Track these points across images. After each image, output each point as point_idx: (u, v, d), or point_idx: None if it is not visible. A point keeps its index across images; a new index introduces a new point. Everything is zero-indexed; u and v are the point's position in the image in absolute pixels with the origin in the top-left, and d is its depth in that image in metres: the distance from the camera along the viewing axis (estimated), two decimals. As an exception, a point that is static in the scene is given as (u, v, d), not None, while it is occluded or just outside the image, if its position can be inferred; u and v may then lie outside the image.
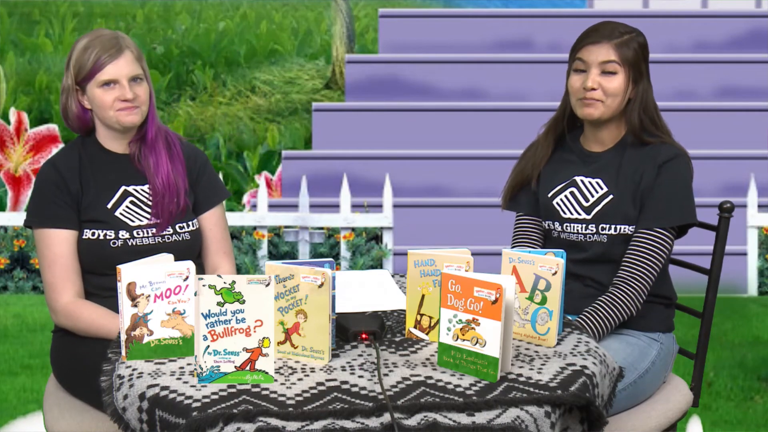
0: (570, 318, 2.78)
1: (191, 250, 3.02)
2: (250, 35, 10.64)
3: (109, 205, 2.96)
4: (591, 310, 2.86)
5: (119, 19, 10.59)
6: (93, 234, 2.94)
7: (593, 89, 2.93)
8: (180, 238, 3.00)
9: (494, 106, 8.02)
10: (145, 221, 2.98)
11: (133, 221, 2.96)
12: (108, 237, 2.94)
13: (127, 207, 2.97)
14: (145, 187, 3.00)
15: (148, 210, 2.99)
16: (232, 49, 10.42)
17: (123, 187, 2.99)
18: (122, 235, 2.94)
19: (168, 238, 2.98)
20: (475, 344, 2.31)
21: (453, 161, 7.69)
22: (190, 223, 3.03)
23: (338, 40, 9.91)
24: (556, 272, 2.51)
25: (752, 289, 6.94)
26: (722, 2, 9.11)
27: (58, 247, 2.92)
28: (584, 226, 2.97)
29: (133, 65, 2.95)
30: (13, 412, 4.59)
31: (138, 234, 2.96)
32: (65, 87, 2.98)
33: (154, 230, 2.97)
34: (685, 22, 8.70)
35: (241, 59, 10.38)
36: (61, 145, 7.85)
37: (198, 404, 2.16)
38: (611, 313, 2.86)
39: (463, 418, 2.12)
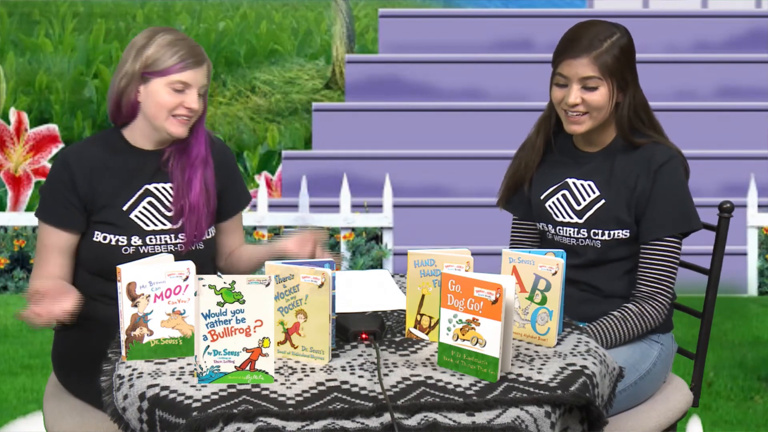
0: (581, 324, 2.78)
1: (204, 259, 2.99)
2: (250, 35, 10.64)
3: (125, 207, 2.91)
4: (620, 316, 2.86)
5: (119, 19, 10.59)
6: (105, 238, 2.89)
7: (576, 104, 2.87)
8: (194, 248, 2.96)
9: (494, 106, 8.02)
10: (160, 226, 2.93)
11: (147, 225, 2.91)
12: (120, 243, 2.89)
13: (144, 207, 2.92)
14: (168, 186, 2.95)
15: (166, 214, 2.93)
16: (232, 49, 10.42)
17: (145, 186, 2.93)
18: (134, 242, 2.89)
19: (180, 248, 2.94)
20: (475, 344, 2.31)
21: (453, 161, 7.69)
22: (207, 231, 2.99)
23: (338, 40, 9.91)
24: (556, 272, 2.51)
25: (752, 289, 6.94)
26: (722, 2, 9.11)
27: (51, 240, 2.90)
28: (576, 230, 2.95)
29: (206, 78, 2.91)
30: (13, 412, 4.59)
31: (150, 241, 2.91)
32: (127, 72, 2.88)
33: (167, 237, 2.92)
34: (685, 22, 8.70)
35: (241, 59, 10.38)
36: (61, 145, 7.86)
37: (198, 404, 2.16)
38: (638, 324, 2.87)
39: (463, 418, 2.12)
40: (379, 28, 8.83)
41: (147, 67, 2.87)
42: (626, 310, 2.87)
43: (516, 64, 8.28)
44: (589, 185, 2.95)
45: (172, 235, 2.93)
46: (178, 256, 2.86)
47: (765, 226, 7.07)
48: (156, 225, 2.92)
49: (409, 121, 7.97)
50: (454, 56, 8.41)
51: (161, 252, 2.90)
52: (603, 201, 2.92)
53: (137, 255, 2.87)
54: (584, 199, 2.95)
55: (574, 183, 2.97)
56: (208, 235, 2.99)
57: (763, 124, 7.97)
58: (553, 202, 2.99)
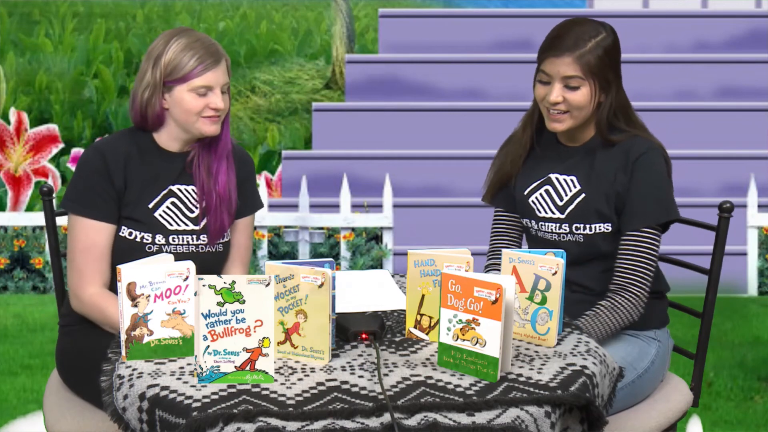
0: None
1: (221, 262, 2.99)
2: (250, 35, 10.64)
3: (151, 205, 2.91)
4: (592, 314, 2.85)
5: (119, 19, 10.59)
6: (130, 234, 2.89)
7: (558, 103, 2.88)
8: (213, 250, 2.96)
9: (494, 106, 8.02)
10: (183, 226, 2.92)
11: (171, 225, 2.91)
12: (145, 240, 2.89)
13: (168, 207, 2.92)
14: (191, 188, 2.95)
15: (189, 216, 2.94)
16: (232, 49, 10.41)
17: (169, 187, 2.93)
18: (158, 240, 2.89)
19: (202, 249, 2.94)
20: (475, 344, 2.31)
21: (453, 161, 7.69)
22: (224, 234, 2.99)
23: (338, 40, 9.91)
24: (556, 272, 2.51)
25: (752, 289, 6.95)
26: (722, 2, 9.11)
27: (95, 236, 2.87)
28: (558, 225, 2.95)
29: (226, 75, 2.90)
30: (13, 412, 4.59)
31: (173, 240, 2.91)
32: (149, 83, 2.88)
33: (189, 238, 2.92)
34: (685, 22, 8.70)
35: (241, 59, 10.38)
36: (61, 145, 7.86)
37: (198, 404, 2.16)
38: (613, 319, 2.85)
39: (463, 418, 2.12)
40: (379, 28, 8.83)
41: (167, 75, 2.87)
42: (598, 308, 2.86)
43: (516, 64, 8.28)
44: (571, 180, 2.96)
45: (194, 236, 2.94)
46: (200, 257, 2.87)
47: (765, 226, 7.07)
48: (179, 225, 2.93)
49: (409, 121, 7.97)
50: (454, 56, 8.41)
51: (183, 252, 2.91)
52: (584, 195, 2.93)
53: (160, 254, 2.86)
54: (566, 194, 2.96)
55: (557, 178, 2.98)
56: (226, 237, 2.99)
57: (763, 124, 7.97)
58: (536, 198, 2.99)
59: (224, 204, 2.95)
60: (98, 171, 2.88)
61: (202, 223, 2.95)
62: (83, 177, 2.90)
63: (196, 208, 2.95)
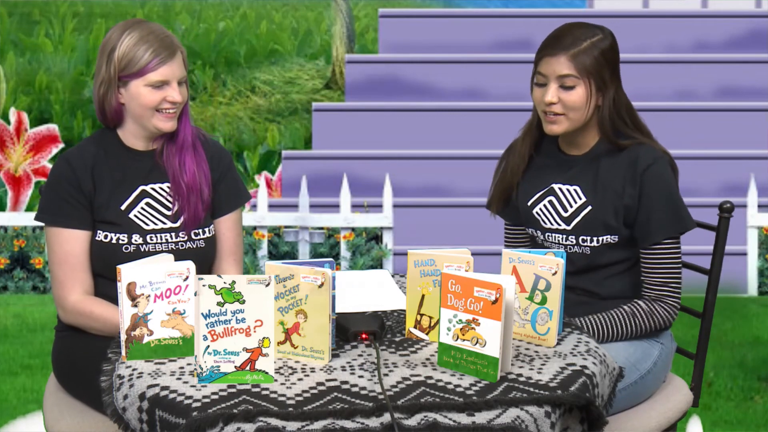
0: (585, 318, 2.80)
1: (206, 258, 2.96)
2: (250, 35, 10.63)
3: (123, 207, 2.89)
4: (629, 311, 2.88)
5: (119, 19, 10.58)
6: (106, 237, 2.88)
7: (553, 103, 2.86)
8: (195, 246, 2.94)
9: (494, 106, 8.02)
10: (160, 225, 2.91)
11: (147, 225, 2.90)
12: (121, 241, 2.88)
13: (142, 208, 2.90)
14: (165, 186, 2.93)
15: (165, 213, 2.92)
16: (232, 49, 10.42)
17: (141, 187, 2.92)
18: (135, 240, 2.88)
19: (182, 245, 2.92)
20: (475, 344, 2.31)
21: (453, 161, 7.69)
22: (206, 229, 2.96)
23: (338, 40, 9.91)
24: (556, 272, 2.51)
25: (752, 289, 6.94)
26: (722, 2, 9.11)
27: (69, 245, 2.87)
28: (564, 236, 2.94)
29: (183, 67, 2.88)
30: (13, 412, 4.59)
31: (151, 240, 2.89)
32: (104, 78, 2.86)
33: (167, 236, 2.91)
34: (685, 22, 8.70)
35: (241, 59, 10.38)
36: (61, 145, 7.86)
37: (198, 404, 2.16)
38: (647, 322, 2.89)
39: (463, 418, 2.12)
40: (379, 28, 8.83)
41: (122, 70, 2.85)
42: (637, 306, 2.88)
43: (516, 64, 8.27)
44: (575, 190, 2.94)
45: (173, 234, 2.92)
46: (180, 254, 2.86)
47: (765, 226, 7.07)
48: (156, 224, 2.92)
49: (409, 121, 7.97)
50: (454, 56, 8.41)
51: (162, 250, 2.89)
52: (590, 207, 2.91)
53: (138, 253, 2.86)
54: (571, 206, 2.94)
55: (560, 188, 2.96)
56: (209, 233, 2.98)
57: (763, 124, 7.97)
58: (540, 209, 2.98)
59: (194, 193, 2.93)
60: (66, 179, 2.88)
61: (180, 220, 2.93)
62: (52, 187, 2.90)
63: (172, 204, 2.93)
